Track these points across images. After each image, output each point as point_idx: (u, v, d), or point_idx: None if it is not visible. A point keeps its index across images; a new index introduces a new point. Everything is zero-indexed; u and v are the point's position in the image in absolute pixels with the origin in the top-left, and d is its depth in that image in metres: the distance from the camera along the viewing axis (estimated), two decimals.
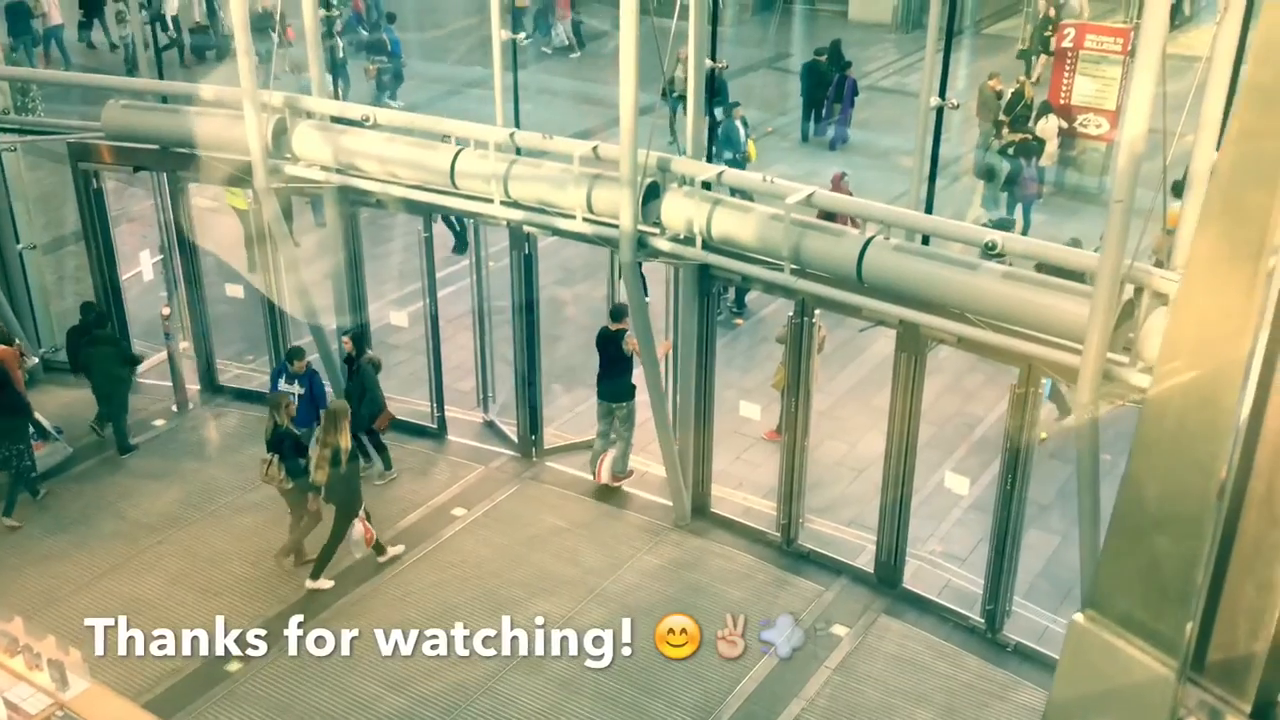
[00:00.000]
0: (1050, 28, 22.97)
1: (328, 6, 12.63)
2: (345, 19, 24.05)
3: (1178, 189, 9.82)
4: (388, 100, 21.88)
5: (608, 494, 12.50)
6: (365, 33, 22.78)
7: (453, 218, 16.04)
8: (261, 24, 16.80)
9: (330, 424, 10.67)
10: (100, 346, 12.79)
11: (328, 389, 12.62)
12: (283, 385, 12.07)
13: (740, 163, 17.16)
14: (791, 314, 11.04)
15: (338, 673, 9.96)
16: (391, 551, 11.47)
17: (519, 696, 9.93)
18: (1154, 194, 8.58)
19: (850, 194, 14.67)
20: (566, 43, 26.31)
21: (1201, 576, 2.32)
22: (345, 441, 10.66)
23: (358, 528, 11.04)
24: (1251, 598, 2.33)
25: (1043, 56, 22.15)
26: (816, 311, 10.90)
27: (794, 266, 10.14)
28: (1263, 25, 2.27)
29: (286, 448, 11.03)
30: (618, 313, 11.93)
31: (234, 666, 10.10)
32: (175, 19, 24.73)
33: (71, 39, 25.10)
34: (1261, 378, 1.99)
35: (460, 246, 16.25)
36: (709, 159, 11.25)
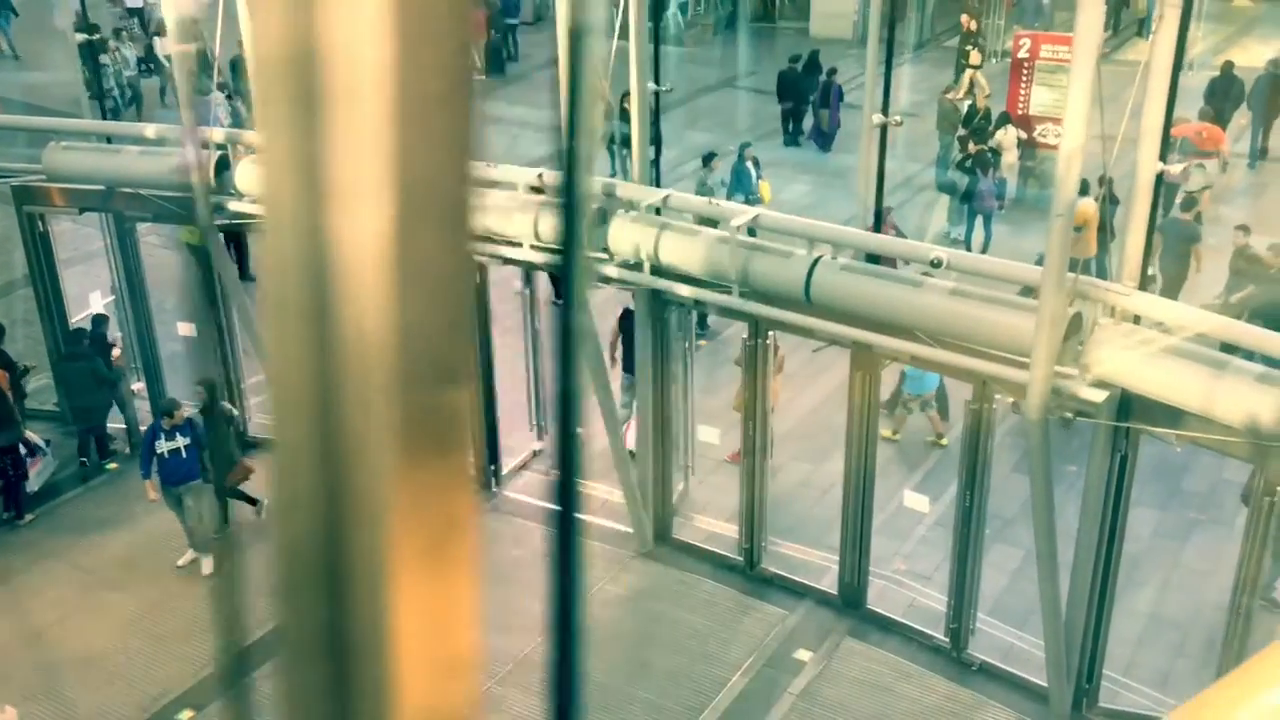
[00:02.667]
0: (970, 42, 23.13)
1: None
2: None
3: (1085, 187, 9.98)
4: None
5: None
6: None
7: None
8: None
9: None
10: (75, 363, 12.79)
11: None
12: (162, 444, 11.18)
13: (753, 204, 16.55)
14: (746, 336, 10.94)
15: None
16: None
17: None
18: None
19: (896, 228, 14.60)
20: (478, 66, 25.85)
21: None
22: None
23: None
24: None
25: (968, 70, 22.28)
26: (770, 333, 10.80)
27: (743, 289, 10.05)
28: None
29: None
30: None
31: (185, 715, 9.89)
32: (169, 58, 24.73)
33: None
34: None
35: None
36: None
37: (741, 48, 29.35)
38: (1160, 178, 8.56)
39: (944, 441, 13.28)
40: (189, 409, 11.48)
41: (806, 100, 22.49)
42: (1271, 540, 8.70)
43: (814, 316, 9.80)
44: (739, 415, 12.49)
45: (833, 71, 22.04)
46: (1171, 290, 14.44)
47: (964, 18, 23.99)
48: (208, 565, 11.49)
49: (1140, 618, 10.66)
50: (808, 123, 22.70)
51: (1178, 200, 15.94)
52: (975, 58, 22.55)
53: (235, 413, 12.28)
